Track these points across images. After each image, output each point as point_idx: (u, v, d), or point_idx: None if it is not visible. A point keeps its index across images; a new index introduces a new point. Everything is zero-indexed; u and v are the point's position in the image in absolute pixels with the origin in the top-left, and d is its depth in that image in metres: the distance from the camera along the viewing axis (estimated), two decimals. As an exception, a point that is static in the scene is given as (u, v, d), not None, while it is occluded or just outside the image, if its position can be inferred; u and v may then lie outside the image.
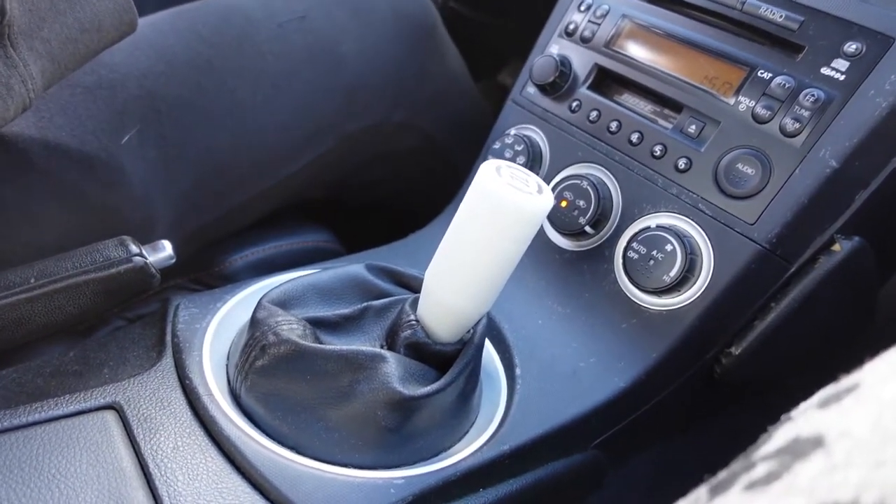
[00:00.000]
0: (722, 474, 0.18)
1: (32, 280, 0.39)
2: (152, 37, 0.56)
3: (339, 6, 0.67)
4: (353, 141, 0.69)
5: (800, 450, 0.17)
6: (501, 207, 0.35)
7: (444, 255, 0.39)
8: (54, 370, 0.43)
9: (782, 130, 0.46)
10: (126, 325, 0.57)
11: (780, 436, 0.18)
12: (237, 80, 0.59)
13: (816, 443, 0.17)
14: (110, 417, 0.39)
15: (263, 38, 0.61)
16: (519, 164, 0.58)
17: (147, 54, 0.55)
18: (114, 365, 0.43)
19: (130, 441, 0.38)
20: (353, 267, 0.47)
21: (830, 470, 0.16)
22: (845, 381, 0.19)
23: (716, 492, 0.18)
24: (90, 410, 0.39)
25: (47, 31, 0.40)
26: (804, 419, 0.18)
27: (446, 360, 0.41)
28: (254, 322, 0.41)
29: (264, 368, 0.40)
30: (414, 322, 0.41)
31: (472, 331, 0.43)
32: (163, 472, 0.36)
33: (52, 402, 0.39)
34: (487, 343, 0.51)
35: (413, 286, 0.47)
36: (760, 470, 0.17)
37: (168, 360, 0.43)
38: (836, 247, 0.47)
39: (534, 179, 0.38)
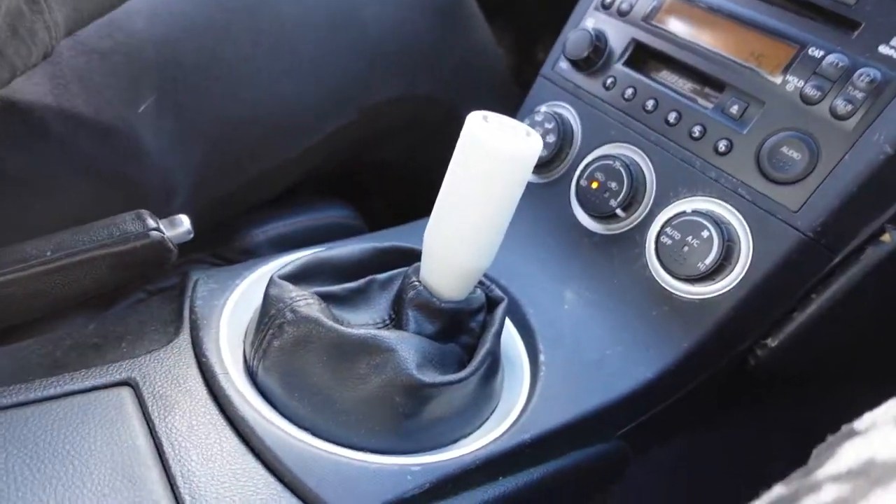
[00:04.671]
0: (778, 489, 0.17)
1: (49, 253, 0.38)
2: (170, 2, 0.55)
3: None
4: (376, 113, 0.67)
5: (877, 475, 0.15)
6: (491, 152, 0.36)
7: (440, 210, 0.39)
8: (74, 342, 0.43)
9: (833, 112, 0.43)
10: (147, 298, 0.57)
11: (849, 453, 0.16)
12: (255, 47, 0.57)
13: None
14: (126, 394, 0.38)
15: (282, 3, 0.59)
16: (549, 142, 0.55)
17: (164, 20, 0.54)
18: (132, 339, 0.43)
19: (145, 418, 0.37)
20: (368, 244, 0.46)
21: None
22: None
23: None
24: (106, 386, 0.39)
25: None
26: (880, 439, 0.16)
27: (456, 321, 0.42)
28: (268, 299, 0.40)
29: (281, 347, 0.39)
30: (416, 283, 0.41)
31: (492, 317, 0.42)
32: (177, 451, 0.36)
33: (69, 377, 0.39)
34: (511, 327, 0.49)
35: None
36: (828, 493, 0.15)
37: (185, 337, 0.42)
38: (886, 237, 0.45)
39: (522, 127, 0.38)
